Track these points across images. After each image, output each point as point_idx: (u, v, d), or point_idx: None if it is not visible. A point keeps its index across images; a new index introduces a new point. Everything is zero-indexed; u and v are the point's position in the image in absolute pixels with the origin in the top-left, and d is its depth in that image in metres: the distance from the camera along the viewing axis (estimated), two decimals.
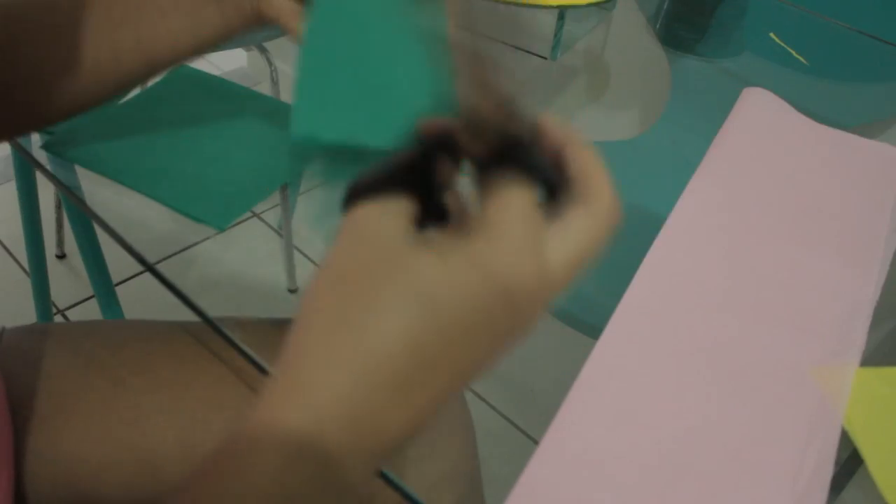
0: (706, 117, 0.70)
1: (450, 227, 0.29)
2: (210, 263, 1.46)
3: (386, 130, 0.30)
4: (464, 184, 0.30)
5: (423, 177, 0.29)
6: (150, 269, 0.58)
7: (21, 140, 0.79)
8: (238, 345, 0.50)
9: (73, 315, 1.40)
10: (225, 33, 0.50)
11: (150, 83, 1.09)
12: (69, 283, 1.44)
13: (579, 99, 1.03)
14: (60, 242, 1.49)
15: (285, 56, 1.53)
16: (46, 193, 1.29)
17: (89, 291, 1.31)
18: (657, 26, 1.09)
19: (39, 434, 0.54)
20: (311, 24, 0.40)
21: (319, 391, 0.27)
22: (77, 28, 0.48)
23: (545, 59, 0.96)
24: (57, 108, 0.51)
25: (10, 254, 1.50)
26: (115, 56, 0.49)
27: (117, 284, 1.10)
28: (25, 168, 1.04)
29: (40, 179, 0.98)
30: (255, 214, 1.62)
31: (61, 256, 1.49)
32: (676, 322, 0.50)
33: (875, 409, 0.47)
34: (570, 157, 0.30)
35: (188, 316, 0.55)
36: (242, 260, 1.50)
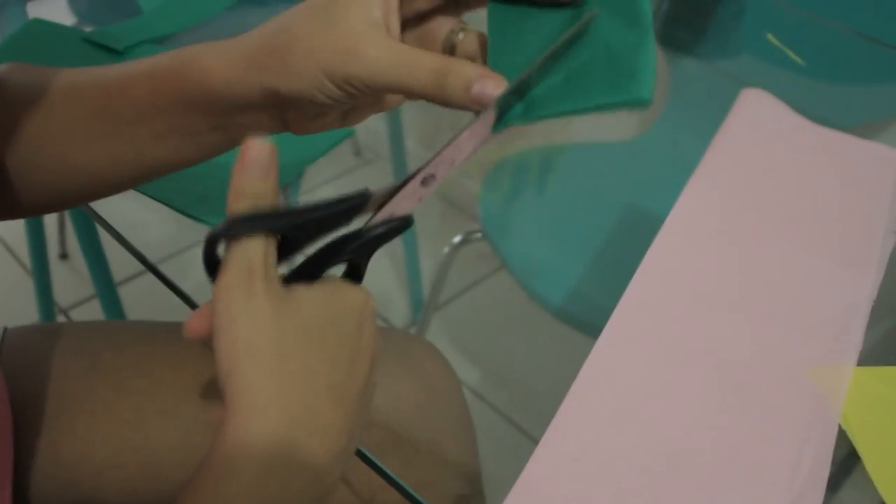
0: (704, 118, 0.70)
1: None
2: None
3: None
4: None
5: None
6: (151, 269, 0.58)
7: None
8: None
9: (76, 315, 1.40)
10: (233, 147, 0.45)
11: None
12: (71, 282, 1.45)
13: None
14: (63, 242, 1.49)
15: None
16: None
17: (91, 291, 1.31)
18: (655, 27, 1.09)
19: (42, 434, 0.54)
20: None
21: (282, 406, 0.32)
22: (71, 132, 0.44)
23: None
24: (40, 203, 0.49)
25: (13, 254, 1.50)
26: (113, 165, 0.45)
27: (119, 284, 1.10)
28: None
29: None
30: None
31: (63, 256, 1.50)
32: (675, 322, 0.50)
33: (872, 408, 0.47)
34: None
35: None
36: None
